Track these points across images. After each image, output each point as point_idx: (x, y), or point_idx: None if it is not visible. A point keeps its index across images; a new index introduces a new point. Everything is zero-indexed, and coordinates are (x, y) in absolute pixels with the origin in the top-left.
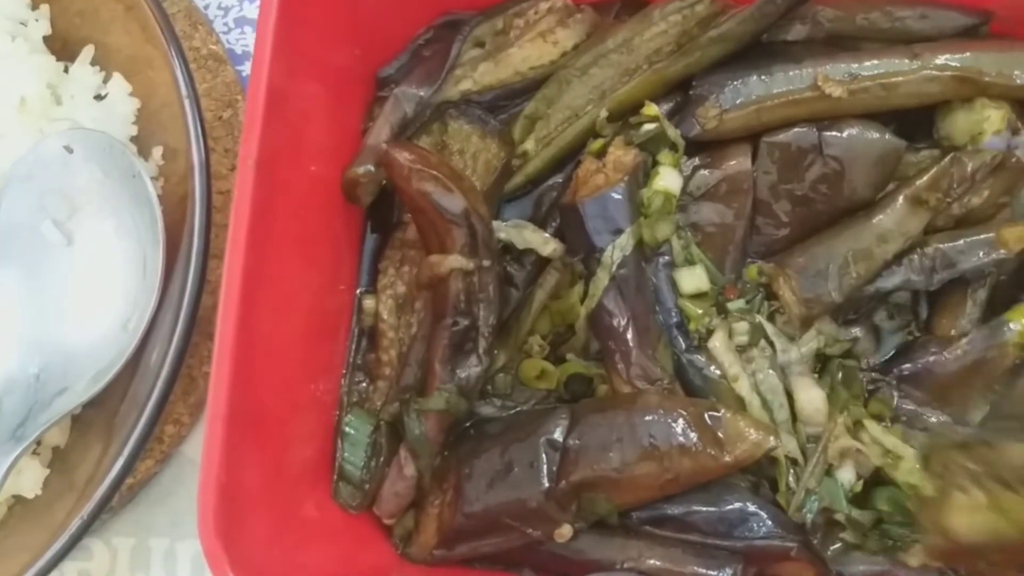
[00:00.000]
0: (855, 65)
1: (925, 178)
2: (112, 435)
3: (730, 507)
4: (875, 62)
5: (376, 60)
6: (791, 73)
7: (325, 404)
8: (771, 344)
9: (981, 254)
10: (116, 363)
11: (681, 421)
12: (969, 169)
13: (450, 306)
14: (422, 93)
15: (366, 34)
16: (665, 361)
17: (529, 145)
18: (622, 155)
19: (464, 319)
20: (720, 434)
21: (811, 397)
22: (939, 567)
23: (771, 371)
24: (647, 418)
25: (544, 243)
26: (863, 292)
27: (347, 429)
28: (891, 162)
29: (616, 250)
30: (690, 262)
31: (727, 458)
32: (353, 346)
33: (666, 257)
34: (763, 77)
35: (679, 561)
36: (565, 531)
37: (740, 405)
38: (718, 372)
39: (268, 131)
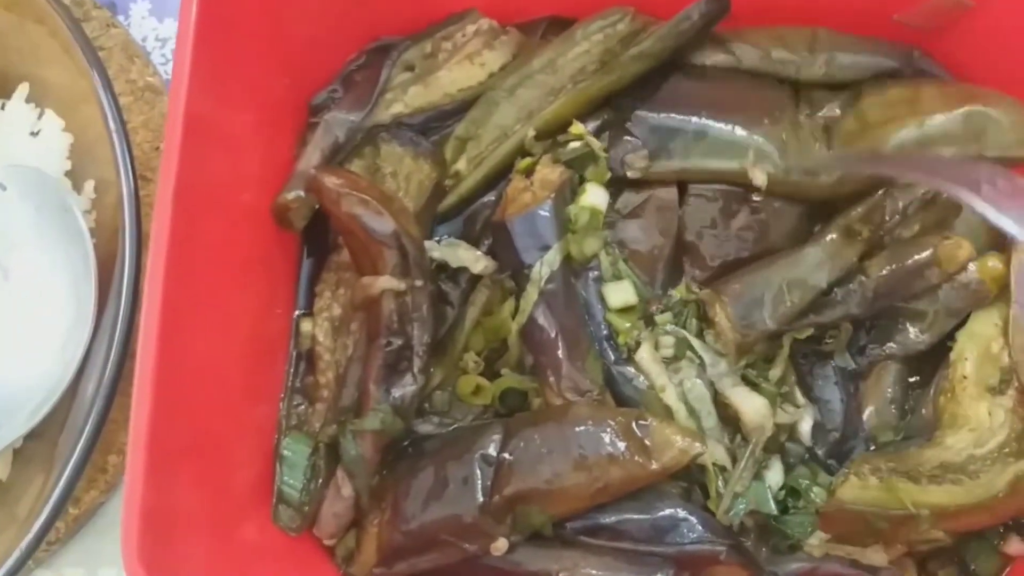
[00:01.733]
0: None
1: (858, 210)
2: (52, 466)
3: (661, 514)
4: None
5: (307, 87)
6: (724, 140)
7: (264, 428)
8: (699, 358)
9: (919, 279)
10: (53, 396)
11: (609, 431)
12: (901, 204)
13: (383, 326)
14: (353, 118)
15: (295, 61)
16: (595, 373)
17: (461, 165)
18: (549, 173)
19: (398, 339)
20: (647, 442)
21: (755, 405)
22: (840, 556)
23: (698, 380)
24: (577, 429)
25: (476, 260)
26: (800, 321)
27: (285, 452)
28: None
29: (544, 266)
30: (618, 277)
31: (654, 465)
32: (291, 369)
33: (595, 272)
34: (696, 138)
35: (612, 568)
36: (501, 544)
37: (668, 414)
38: (646, 383)
39: (187, 161)
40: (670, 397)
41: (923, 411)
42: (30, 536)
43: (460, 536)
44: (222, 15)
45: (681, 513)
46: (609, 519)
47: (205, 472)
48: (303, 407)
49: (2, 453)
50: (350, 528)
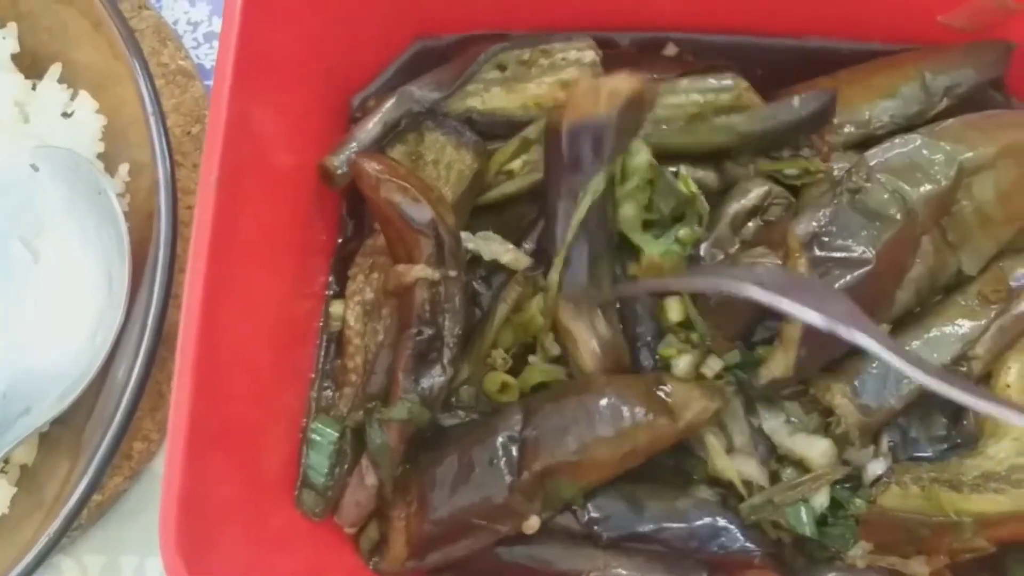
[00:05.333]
0: None
1: (987, 274)
2: (79, 452)
3: (700, 523)
4: None
5: (346, 76)
6: None
7: (293, 411)
8: (754, 411)
9: None
10: (83, 380)
11: (631, 397)
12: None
13: (415, 316)
14: (432, 95)
15: (335, 50)
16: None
17: (516, 165)
18: (621, 81)
19: (429, 329)
20: (670, 402)
21: (821, 449)
22: (881, 567)
23: (735, 398)
24: (600, 403)
25: (505, 252)
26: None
27: (313, 435)
28: None
29: (587, 196)
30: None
31: (680, 424)
32: (321, 352)
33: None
34: None
35: (644, 569)
36: (533, 522)
37: None
38: None
39: (230, 146)
40: None
41: (965, 421)
42: (58, 522)
43: (492, 518)
44: None
45: (720, 522)
46: (646, 527)
47: (237, 459)
48: (330, 391)
49: (28, 438)
50: (371, 518)
